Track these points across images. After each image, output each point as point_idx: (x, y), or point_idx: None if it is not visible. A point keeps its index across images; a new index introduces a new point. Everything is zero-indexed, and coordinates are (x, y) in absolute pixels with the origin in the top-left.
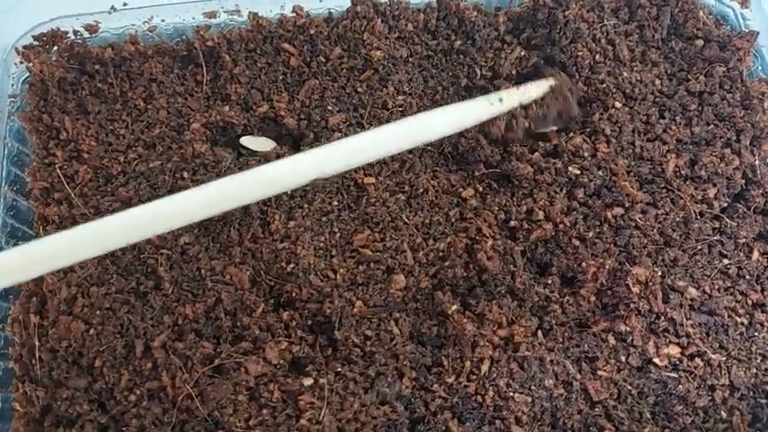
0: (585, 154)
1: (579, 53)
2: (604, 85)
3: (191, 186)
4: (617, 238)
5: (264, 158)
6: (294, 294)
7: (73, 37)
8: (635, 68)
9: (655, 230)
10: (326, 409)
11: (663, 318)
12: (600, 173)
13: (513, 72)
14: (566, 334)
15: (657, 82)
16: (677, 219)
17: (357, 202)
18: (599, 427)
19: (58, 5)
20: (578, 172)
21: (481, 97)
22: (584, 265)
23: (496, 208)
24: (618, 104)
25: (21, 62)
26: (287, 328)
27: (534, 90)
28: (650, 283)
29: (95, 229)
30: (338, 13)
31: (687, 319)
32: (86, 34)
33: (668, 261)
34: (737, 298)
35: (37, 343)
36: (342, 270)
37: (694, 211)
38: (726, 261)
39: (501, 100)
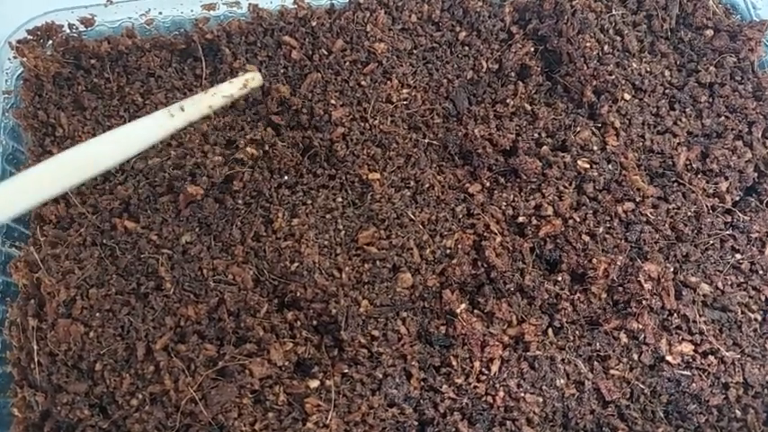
0: (594, 147)
1: (587, 44)
2: (613, 77)
3: (187, 185)
4: (628, 233)
5: None
6: (299, 294)
7: (68, 30)
8: (644, 59)
9: (666, 225)
10: (333, 411)
11: (675, 315)
12: (609, 167)
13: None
14: (577, 332)
15: (667, 73)
16: (689, 213)
17: (362, 198)
18: (612, 428)
19: None
20: (587, 166)
21: (159, 111)
22: (594, 261)
23: (504, 203)
24: (627, 96)
25: (14, 57)
26: (292, 329)
27: (227, 88)
28: (662, 280)
29: None
30: (340, 4)
31: (700, 316)
32: (82, 28)
33: (680, 256)
34: (750, 294)
35: (35, 346)
36: (347, 269)
37: (706, 206)
38: (738, 256)
39: (183, 108)
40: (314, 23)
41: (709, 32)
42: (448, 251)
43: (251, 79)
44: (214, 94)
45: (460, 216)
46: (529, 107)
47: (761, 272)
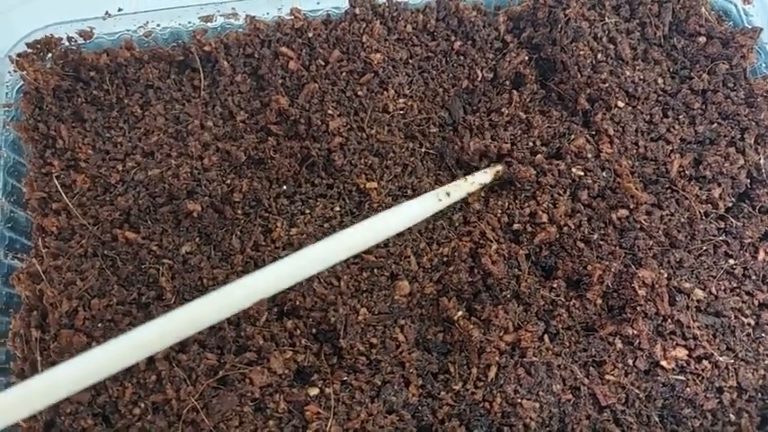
0: (589, 155)
1: (581, 52)
2: (607, 85)
3: (185, 197)
4: (622, 240)
5: None
6: (298, 302)
7: (67, 43)
8: (637, 67)
9: (660, 232)
10: (333, 419)
11: (670, 320)
12: (604, 174)
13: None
14: (572, 338)
15: (660, 80)
16: (682, 219)
17: (359, 207)
18: None
19: (51, 12)
20: (582, 173)
21: (429, 194)
22: (589, 267)
23: (500, 211)
24: (620, 104)
25: (15, 70)
26: (291, 337)
27: (481, 177)
28: (656, 286)
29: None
30: (336, 15)
31: (694, 321)
32: (81, 40)
33: (674, 262)
34: (744, 299)
35: (39, 357)
36: (345, 277)
37: (699, 212)
38: (731, 261)
39: (448, 194)
40: (310, 34)
41: (702, 39)
42: (445, 259)
43: (500, 171)
44: (472, 183)
45: (457, 224)
46: (524, 115)
47: (754, 277)
